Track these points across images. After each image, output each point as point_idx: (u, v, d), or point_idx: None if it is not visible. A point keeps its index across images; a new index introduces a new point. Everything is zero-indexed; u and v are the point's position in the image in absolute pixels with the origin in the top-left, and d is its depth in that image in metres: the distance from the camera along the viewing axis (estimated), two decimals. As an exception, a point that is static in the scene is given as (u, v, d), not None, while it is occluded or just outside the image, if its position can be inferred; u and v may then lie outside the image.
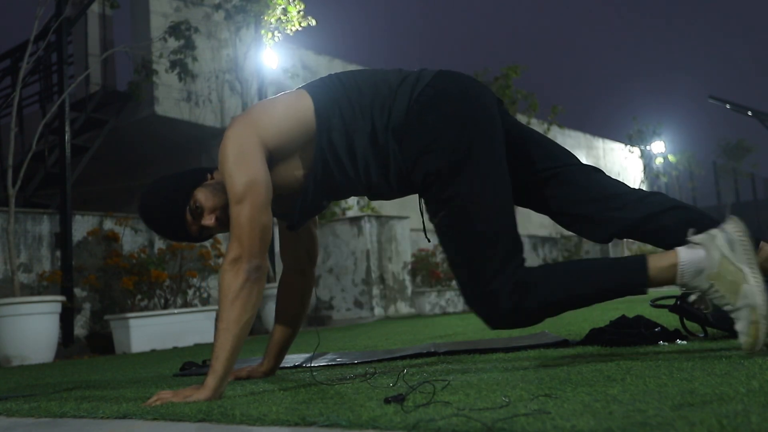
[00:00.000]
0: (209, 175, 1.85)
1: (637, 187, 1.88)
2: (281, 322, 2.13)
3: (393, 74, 1.82)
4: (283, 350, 2.17)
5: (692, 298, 1.64)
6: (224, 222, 1.79)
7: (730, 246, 1.60)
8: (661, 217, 1.78)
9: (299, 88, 1.86)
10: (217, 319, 1.63)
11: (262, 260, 1.66)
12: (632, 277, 1.64)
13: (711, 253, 1.60)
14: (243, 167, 1.67)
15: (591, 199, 1.83)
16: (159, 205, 1.81)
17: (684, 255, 1.61)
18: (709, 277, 1.59)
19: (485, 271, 1.67)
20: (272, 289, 5.76)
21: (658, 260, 1.63)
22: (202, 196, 1.78)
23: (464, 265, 1.71)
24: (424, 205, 1.82)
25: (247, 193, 1.65)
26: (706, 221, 1.72)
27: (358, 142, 1.75)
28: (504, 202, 1.72)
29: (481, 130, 1.73)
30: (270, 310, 6.33)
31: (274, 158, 1.75)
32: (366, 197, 1.83)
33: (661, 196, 1.86)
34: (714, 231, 1.63)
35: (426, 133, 1.71)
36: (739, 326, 1.56)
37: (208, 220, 1.79)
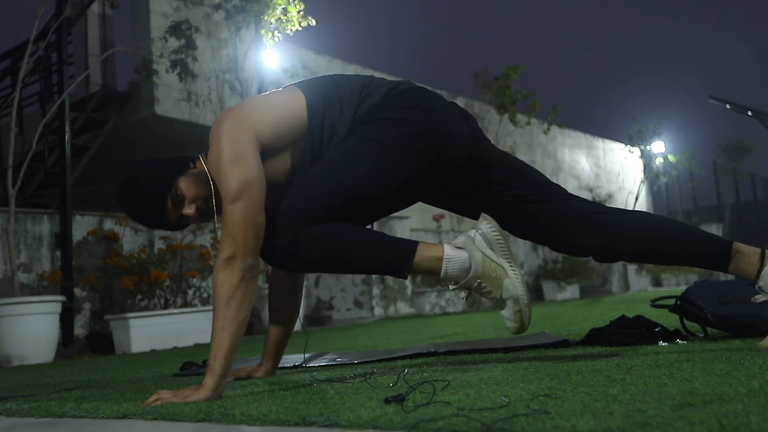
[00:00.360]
0: (191, 164, 1.85)
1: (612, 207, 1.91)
2: (276, 321, 2.14)
3: (381, 80, 1.89)
4: (280, 349, 2.18)
5: (462, 295, 1.74)
6: (204, 212, 1.82)
7: (488, 245, 1.71)
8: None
9: (292, 84, 1.89)
10: (213, 320, 1.63)
11: (256, 259, 1.67)
12: (398, 260, 1.71)
13: (473, 254, 1.69)
14: (238, 166, 1.68)
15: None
16: (140, 190, 1.80)
17: (449, 251, 1.70)
18: (475, 276, 1.69)
19: (300, 213, 1.70)
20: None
21: (426, 249, 1.71)
22: (185, 185, 1.79)
23: (291, 199, 1.73)
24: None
25: (242, 193, 1.65)
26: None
27: (339, 132, 1.80)
28: (372, 191, 1.74)
29: (425, 140, 1.76)
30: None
31: (265, 153, 1.77)
32: None
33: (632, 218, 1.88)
34: (471, 232, 1.73)
35: (386, 110, 1.77)
36: (505, 313, 1.71)
37: (189, 210, 1.80)
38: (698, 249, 1.81)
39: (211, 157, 1.75)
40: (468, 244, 1.70)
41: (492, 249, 1.70)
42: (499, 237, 1.70)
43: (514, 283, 1.68)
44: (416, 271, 1.71)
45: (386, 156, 1.74)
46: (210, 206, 1.82)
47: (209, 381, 1.58)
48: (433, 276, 1.73)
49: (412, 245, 1.71)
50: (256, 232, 1.66)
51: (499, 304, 1.71)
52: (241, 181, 1.66)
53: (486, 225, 1.71)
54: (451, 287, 1.72)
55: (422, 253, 1.70)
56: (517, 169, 1.91)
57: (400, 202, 1.83)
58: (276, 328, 2.14)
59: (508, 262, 1.70)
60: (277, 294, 2.13)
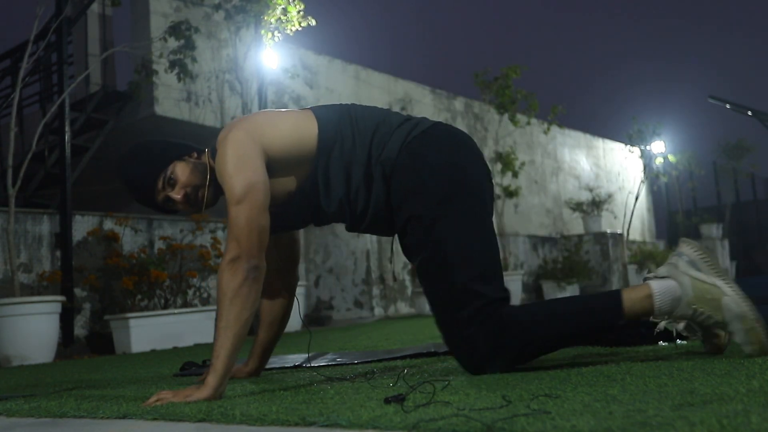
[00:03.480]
0: (195, 154, 1.90)
1: None
2: (266, 323, 2.16)
3: (396, 116, 1.89)
4: (267, 351, 2.19)
5: (680, 327, 1.64)
6: (191, 201, 1.85)
7: (694, 266, 1.60)
8: None
9: (308, 108, 1.91)
10: (216, 319, 1.63)
11: (260, 260, 1.68)
12: (610, 316, 1.65)
13: (681, 280, 1.60)
14: (243, 170, 1.70)
15: None
16: (137, 164, 1.86)
17: (656, 285, 1.62)
18: (689, 303, 1.59)
19: (462, 315, 1.67)
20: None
21: (631, 293, 1.64)
22: (179, 170, 1.84)
23: (442, 310, 1.72)
24: (401, 245, 1.88)
25: (246, 195, 1.67)
26: None
27: (354, 171, 1.80)
28: (484, 249, 1.74)
29: (464, 183, 1.77)
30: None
31: (270, 169, 1.78)
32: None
33: None
34: (673, 259, 1.64)
35: (415, 176, 1.76)
36: (738, 339, 1.56)
37: (177, 194, 1.84)
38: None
39: (217, 160, 1.77)
40: (672, 271, 1.62)
41: (700, 270, 1.59)
42: (704, 255, 1.60)
43: (735, 300, 1.54)
44: (631, 316, 1.63)
45: (471, 211, 1.75)
46: (200, 197, 1.86)
47: (211, 380, 1.59)
48: (648, 316, 1.64)
49: (615, 295, 1.66)
50: (261, 234, 1.68)
51: (724, 327, 1.57)
52: (245, 185, 1.68)
53: (687, 247, 1.63)
54: (665, 323, 1.63)
55: (629, 297, 1.63)
56: None
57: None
58: (266, 329, 2.16)
59: (723, 280, 1.58)
60: (269, 297, 2.14)
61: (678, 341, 2.08)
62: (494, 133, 10.59)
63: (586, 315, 1.68)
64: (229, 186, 1.69)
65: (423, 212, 1.75)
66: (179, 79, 6.38)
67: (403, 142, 1.79)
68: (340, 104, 1.91)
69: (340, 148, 1.80)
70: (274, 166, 1.78)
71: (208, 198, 1.87)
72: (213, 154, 1.88)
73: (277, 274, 2.13)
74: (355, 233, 7.86)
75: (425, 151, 1.78)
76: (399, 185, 1.78)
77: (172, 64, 6.25)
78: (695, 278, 1.59)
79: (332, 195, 1.83)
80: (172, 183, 1.84)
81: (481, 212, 1.78)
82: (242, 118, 1.85)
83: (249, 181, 1.68)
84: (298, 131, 1.81)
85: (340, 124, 1.83)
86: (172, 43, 6.46)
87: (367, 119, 1.85)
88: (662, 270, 1.64)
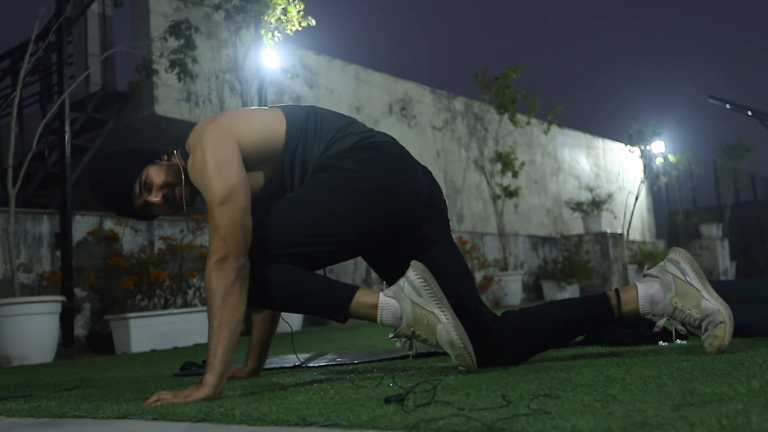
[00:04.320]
0: (164, 156, 1.92)
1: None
2: (258, 321, 2.17)
3: (360, 125, 1.92)
4: (264, 348, 2.20)
5: (398, 345, 1.74)
6: (170, 202, 1.87)
7: (416, 292, 1.70)
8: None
9: (276, 106, 1.95)
10: (209, 319, 1.64)
11: (247, 260, 1.70)
12: (335, 305, 1.74)
13: (403, 304, 1.70)
14: (223, 172, 1.72)
15: None
16: (110, 173, 1.87)
17: (383, 299, 1.72)
18: (408, 324, 1.70)
19: (263, 246, 1.74)
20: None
21: (364, 295, 1.74)
22: (154, 172, 1.86)
23: (260, 228, 1.76)
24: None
25: (229, 197, 1.70)
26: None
27: (308, 168, 1.85)
28: (329, 234, 1.78)
29: (383, 194, 1.79)
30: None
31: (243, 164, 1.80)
32: None
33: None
34: (401, 281, 1.73)
35: (341, 160, 1.80)
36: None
37: (155, 197, 1.85)
38: (585, 312, 1.88)
39: (194, 164, 1.78)
40: (398, 293, 1.72)
41: (421, 296, 1.70)
42: (425, 284, 1.70)
43: (447, 328, 1.67)
44: (354, 316, 1.74)
45: (348, 205, 1.78)
46: (178, 195, 1.88)
47: (210, 378, 1.59)
48: (372, 322, 1.75)
49: (350, 290, 1.74)
50: (245, 234, 1.70)
51: (440, 348, 1.71)
52: (227, 187, 1.70)
53: (413, 273, 1.72)
54: (390, 336, 1.74)
55: (359, 299, 1.73)
56: (450, 257, 1.94)
57: (347, 253, 1.88)
58: (259, 328, 2.18)
59: (439, 308, 1.69)
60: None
61: (678, 341, 2.09)
62: (494, 133, 10.60)
63: (316, 298, 1.76)
64: (210, 188, 1.71)
65: (319, 178, 1.81)
66: (179, 79, 6.39)
67: (353, 143, 1.83)
68: (309, 105, 1.96)
69: (303, 144, 1.84)
70: (247, 161, 1.80)
71: (187, 197, 1.88)
72: (183, 155, 1.89)
73: None
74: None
75: (363, 154, 1.81)
76: (322, 161, 1.83)
77: (173, 64, 6.25)
78: (416, 304, 1.70)
79: (292, 188, 1.87)
80: (148, 187, 1.85)
81: (360, 222, 1.80)
82: (210, 118, 1.87)
83: (230, 184, 1.70)
84: (268, 127, 1.84)
85: (307, 123, 1.87)
86: (173, 42, 6.46)
87: (331, 122, 1.89)
88: (390, 290, 1.74)
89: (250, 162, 1.81)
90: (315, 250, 1.79)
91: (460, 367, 1.72)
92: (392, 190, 1.81)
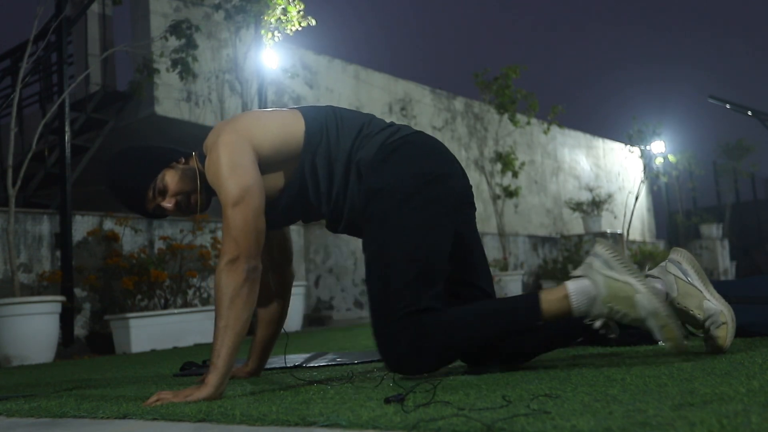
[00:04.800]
0: (182, 159, 1.89)
1: None
2: (263, 322, 2.16)
3: (379, 121, 1.90)
4: (266, 350, 2.20)
5: (597, 325, 1.67)
6: (183, 207, 1.86)
7: (607, 265, 1.64)
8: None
9: (294, 108, 1.92)
10: (216, 319, 1.64)
11: (258, 261, 1.69)
12: (528, 317, 1.68)
13: (595, 278, 1.64)
14: (237, 174, 1.71)
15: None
16: (126, 173, 1.85)
17: (571, 285, 1.67)
18: (604, 300, 1.62)
19: (388, 316, 1.67)
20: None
21: (549, 293, 1.68)
22: (170, 179, 1.84)
23: (373, 305, 1.73)
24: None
25: (242, 198, 1.69)
26: None
27: (336, 169, 1.82)
28: (428, 256, 1.72)
29: (428, 190, 1.77)
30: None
31: (260, 168, 1.78)
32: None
33: None
34: (588, 259, 1.69)
35: (380, 177, 1.77)
36: (657, 336, 1.62)
37: (168, 203, 1.84)
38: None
39: (209, 165, 1.77)
40: (587, 270, 1.67)
41: (612, 268, 1.64)
42: (615, 254, 1.64)
43: (647, 297, 1.59)
44: (549, 317, 1.66)
45: (423, 218, 1.74)
46: (192, 202, 1.87)
47: (212, 379, 1.59)
48: (567, 316, 1.67)
49: (533, 297, 1.69)
50: (257, 235, 1.69)
51: (642, 324, 1.62)
52: (241, 188, 1.69)
53: (599, 246, 1.67)
54: (585, 321, 1.67)
55: (546, 298, 1.67)
56: (476, 239, 1.93)
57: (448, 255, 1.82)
58: (263, 329, 2.17)
59: (634, 277, 1.62)
60: (265, 296, 2.14)
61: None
62: (494, 133, 10.60)
63: (506, 317, 1.70)
64: (224, 190, 1.70)
65: (378, 213, 1.75)
66: (181, 78, 6.39)
67: (381, 144, 1.80)
68: (327, 105, 1.93)
69: (326, 144, 1.82)
70: (264, 164, 1.79)
71: (201, 202, 1.88)
72: (201, 157, 1.88)
73: (272, 273, 2.14)
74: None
75: (396, 156, 1.79)
76: (366, 186, 1.79)
77: (174, 63, 6.25)
78: (608, 276, 1.63)
79: (320, 190, 1.84)
80: (162, 192, 1.84)
81: (440, 219, 1.77)
82: (229, 120, 1.86)
83: (244, 185, 1.69)
84: (286, 129, 1.82)
85: (327, 122, 1.84)
86: (173, 42, 6.46)
87: (352, 120, 1.87)
88: (578, 270, 1.69)
89: (268, 164, 1.79)
90: (441, 270, 1.75)
91: (663, 343, 1.62)
92: (440, 173, 1.79)
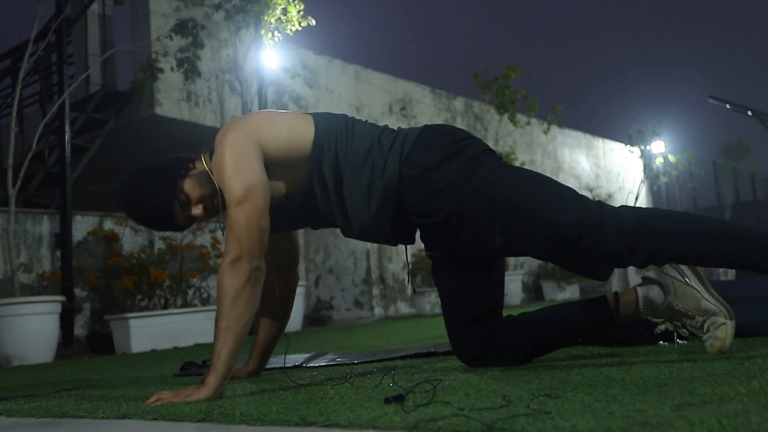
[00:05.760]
0: (191, 165, 1.86)
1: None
2: (266, 323, 2.16)
3: (387, 136, 1.85)
4: (267, 350, 2.19)
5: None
6: (210, 210, 1.84)
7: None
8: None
9: (307, 113, 1.90)
10: (217, 319, 1.63)
11: (261, 262, 1.67)
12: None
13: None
14: (242, 172, 1.69)
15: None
16: (146, 198, 1.81)
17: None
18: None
19: (581, 244, 1.66)
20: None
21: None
22: (189, 188, 1.81)
23: (561, 254, 1.71)
24: (433, 247, 1.88)
25: (246, 197, 1.67)
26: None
27: (349, 188, 1.79)
28: (540, 181, 1.76)
29: (474, 150, 1.79)
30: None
31: (267, 170, 1.77)
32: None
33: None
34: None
35: (425, 181, 1.75)
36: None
37: (197, 210, 1.82)
38: (585, 316, 1.93)
39: (215, 162, 1.76)
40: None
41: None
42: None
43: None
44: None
45: (498, 165, 1.79)
46: (216, 203, 1.84)
47: (212, 380, 1.58)
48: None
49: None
50: (261, 235, 1.67)
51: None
52: (244, 186, 1.67)
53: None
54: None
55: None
56: None
57: None
58: (265, 330, 2.16)
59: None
60: (268, 298, 2.14)
61: (678, 341, 2.09)
62: (494, 133, 10.59)
63: (748, 244, 1.65)
64: (228, 187, 1.68)
65: (460, 202, 1.73)
66: (186, 78, 6.38)
67: (400, 160, 1.78)
68: (342, 114, 1.90)
69: (334, 153, 1.79)
70: (271, 166, 1.77)
71: (223, 202, 1.85)
72: (211, 154, 1.86)
73: (277, 274, 2.13)
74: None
75: (423, 156, 1.77)
76: (415, 197, 1.76)
77: (180, 62, 6.25)
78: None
79: (331, 201, 1.82)
80: (186, 203, 1.81)
81: (501, 161, 1.82)
82: (239, 118, 1.84)
83: (249, 183, 1.67)
84: (294, 134, 1.80)
85: (336, 130, 1.81)
86: (177, 41, 6.46)
87: (362, 131, 1.84)
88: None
89: (275, 167, 1.77)
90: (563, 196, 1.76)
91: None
92: (468, 140, 1.82)
